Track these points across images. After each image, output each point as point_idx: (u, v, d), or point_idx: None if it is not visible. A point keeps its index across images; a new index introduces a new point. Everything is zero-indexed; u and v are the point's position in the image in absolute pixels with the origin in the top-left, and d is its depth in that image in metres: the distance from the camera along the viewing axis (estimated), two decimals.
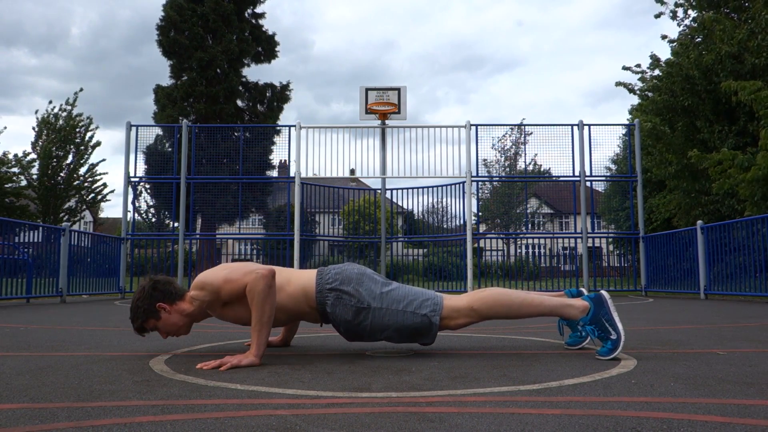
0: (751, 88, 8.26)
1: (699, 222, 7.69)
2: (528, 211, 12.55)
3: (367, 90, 9.40)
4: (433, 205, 10.61)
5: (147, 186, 10.83)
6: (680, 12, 11.67)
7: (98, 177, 19.13)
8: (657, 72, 11.76)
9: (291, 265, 8.59)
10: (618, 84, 12.62)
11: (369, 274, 2.10)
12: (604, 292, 2.02)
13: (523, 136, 11.17)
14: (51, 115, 18.33)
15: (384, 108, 9.22)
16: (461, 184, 9.36)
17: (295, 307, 2.06)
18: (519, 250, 11.70)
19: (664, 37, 11.63)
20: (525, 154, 12.78)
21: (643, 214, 9.52)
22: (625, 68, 12.38)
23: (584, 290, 2.12)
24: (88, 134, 18.71)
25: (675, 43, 11.39)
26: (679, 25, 11.77)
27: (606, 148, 14.48)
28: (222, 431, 1.07)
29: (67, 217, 18.35)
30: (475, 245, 9.55)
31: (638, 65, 12.32)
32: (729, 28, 9.76)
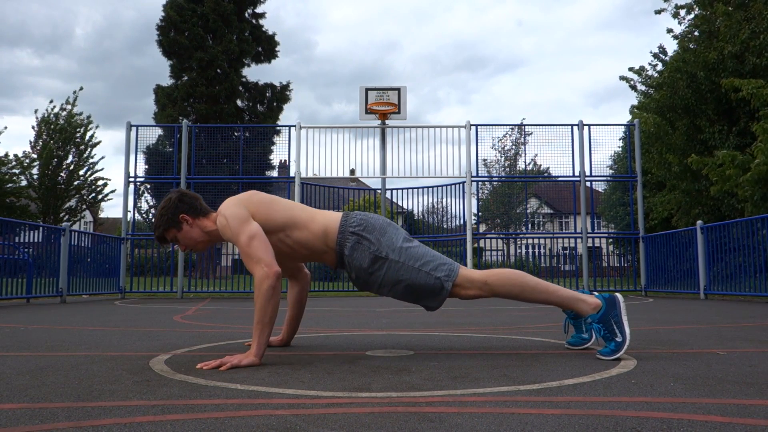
0: (754, 84, 8.30)
1: (699, 222, 7.68)
2: (528, 211, 12.55)
3: (367, 90, 9.41)
4: (433, 205, 10.62)
5: (147, 186, 10.83)
6: (682, 12, 11.67)
7: (98, 178, 19.14)
8: (660, 67, 11.75)
9: None
10: (621, 78, 12.56)
11: (394, 226, 2.11)
12: (619, 295, 2.00)
13: (523, 136, 11.17)
14: (51, 115, 18.34)
15: (384, 108, 9.22)
16: (461, 184, 9.36)
17: (314, 244, 2.07)
18: (519, 250, 11.70)
19: (669, 30, 11.60)
20: (525, 154, 12.80)
21: (643, 214, 9.53)
22: (630, 69, 12.37)
23: (595, 293, 2.11)
24: (88, 134, 18.73)
25: (678, 39, 11.39)
26: (680, 23, 11.77)
27: (606, 148, 14.50)
28: (222, 431, 1.07)
29: (67, 217, 18.35)
30: (475, 245, 9.55)
31: (642, 67, 12.32)
32: (734, 25, 9.75)
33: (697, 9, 11.32)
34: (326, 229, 2.07)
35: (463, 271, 2.06)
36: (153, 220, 2.11)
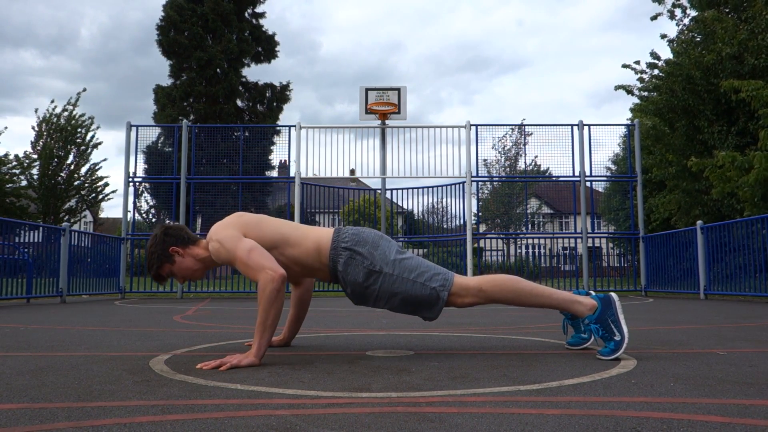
0: (754, 86, 8.30)
1: (699, 222, 7.69)
2: (528, 211, 12.54)
3: (367, 90, 9.40)
4: (433, 205, 10.62)
5: (147, 186, 10.82)
6: (678, 12, 11.65)
7: (98, 178, 19.13)
8: (656, 71, 11.75)
9: None
10: (618, 87, 12.58)
11: (387, 239, 2.11)
12: (613, 294, 2.01)
13: (523, 136, 11.17)
14: (53, 116, 18.32)
15: (384, 108, 9.22)
16: (461, 184, 9.36)
17: (306, 261, 2.08)
18: (519, 250, 11.70)
19: (663, 36, 11.60)
20: (525, 154, 12.78)
21: (643, 214, 9.52)
22: (624, 66, 12.31)
23: (592, 292, 2.12)
24: (89, 134, 18.72)
25: (674, 43, 11.38)
26: (677, 24, 11.74)
27: (606, 148, 14.50)
28: (222, 431, 1.07)
29: (67, 217, 18.34)
30: (475, 245, 9.54)
31: (637, 62, 12.27)
32: (730, 28, 9.76)
33: (692, 11, 11.31)
34: (319, 245, 2.07)
35: (457, 279, 2.06)
36: (146, 261, 2.10)
